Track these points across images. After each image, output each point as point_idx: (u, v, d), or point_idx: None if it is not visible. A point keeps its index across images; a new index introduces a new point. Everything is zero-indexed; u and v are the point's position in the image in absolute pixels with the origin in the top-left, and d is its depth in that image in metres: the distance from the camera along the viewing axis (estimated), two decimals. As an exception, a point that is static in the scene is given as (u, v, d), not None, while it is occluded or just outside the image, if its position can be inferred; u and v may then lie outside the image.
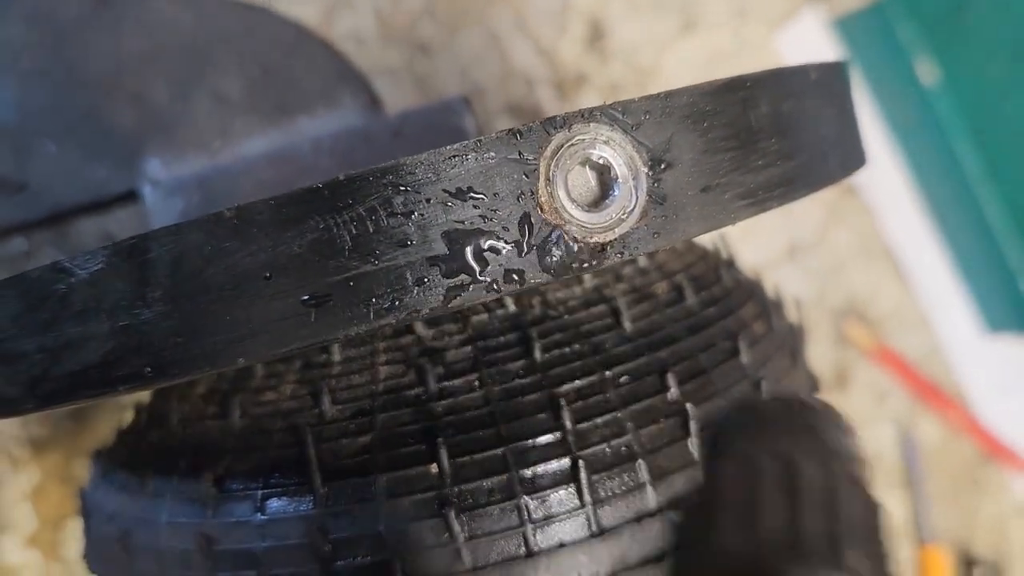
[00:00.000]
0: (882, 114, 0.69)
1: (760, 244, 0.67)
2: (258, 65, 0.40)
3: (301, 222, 0.21)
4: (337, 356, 0.29)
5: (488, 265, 0.22)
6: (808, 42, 0.68)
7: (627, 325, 0.29)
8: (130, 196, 0.39)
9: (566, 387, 0.27)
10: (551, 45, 0.62)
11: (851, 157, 0.29)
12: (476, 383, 0.27)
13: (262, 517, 0.27)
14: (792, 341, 0.33)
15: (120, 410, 0.36)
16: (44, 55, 0.39)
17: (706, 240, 0.38)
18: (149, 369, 0.23)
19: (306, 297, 0.22)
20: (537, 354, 0.27)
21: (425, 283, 0.22)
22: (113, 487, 0.31)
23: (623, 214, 0.22)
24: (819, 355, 0.67)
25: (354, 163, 0.36)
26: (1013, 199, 0.67)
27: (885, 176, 0.70)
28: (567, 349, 0.28)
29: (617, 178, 0.22)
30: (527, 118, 0.61)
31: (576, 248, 0.22)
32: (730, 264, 0.35)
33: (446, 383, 0.27)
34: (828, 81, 0.28)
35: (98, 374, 0.23)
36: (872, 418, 0.69)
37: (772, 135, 0.25)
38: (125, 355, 0.23)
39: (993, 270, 0.68)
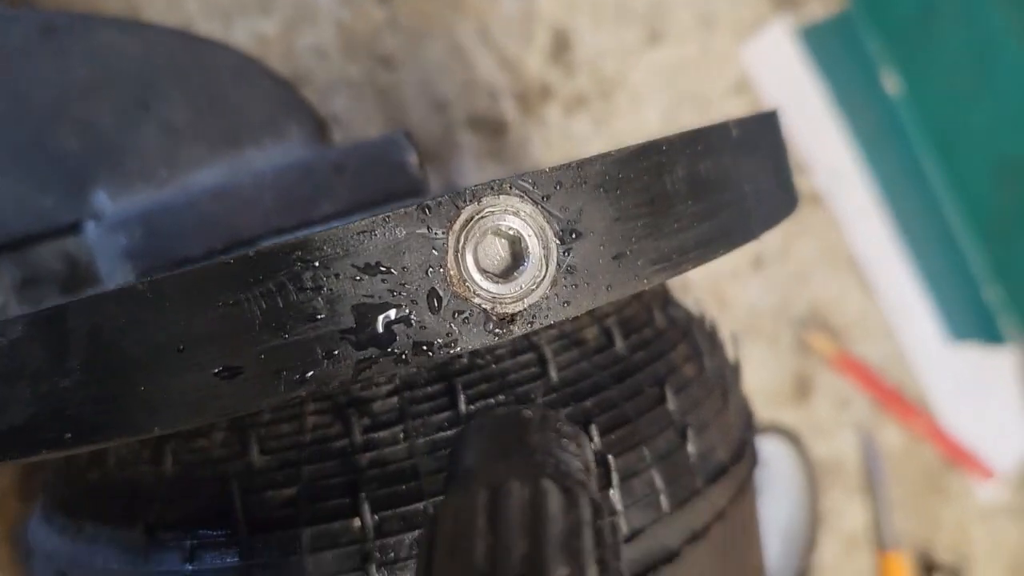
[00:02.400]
0: (847, 124, 0.70)
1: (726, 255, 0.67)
2: (205, 95, 0.40)
3: (212, 297, 0.22)
4: (267, 405, 0.29)
5: (397, 338, 0.22)
6: (775, 52, 0.68)
7: (553, 374, 0.29)
8: (77, 227, 0.40)
9: (489, 440, 0.27)
10: (515, 56, 0.62)
11: (777, 208, 0.29)
12: (401, 435, 0.28)
13: (190, 567, 0.27)
14: (725, 381, 0.34)
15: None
16: (-11, 85, 0.39)
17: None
18: (69, 435, 0.23)
19: (218, 370, 0.22)
20: (462, 406, 0.28)
21: (335, 356, 0.22)
22: (53, 527, 0.32)
23: (533, 285, 0.23)
24: (781, 364, 0.68)
25: (295, 198, 0.36)
26: (976, 209, 0.67)
27: (850, 186, 0.70)
28: (492, 400, 0.28)
29: (527, 249, 0.23)
30: (490, 131, 0.61)
31: (484, 319, 0.22)
32: (666, 301, 0.35)
33: (371, 435, 0.28)
34: (752, 136, 0.28)
35: (22, 437, 0.24)
36: (834, 425, 0.70)
37: (688, 198, 0.25)
38: (46, 421, 0.23)
39: (957, 279, 0.69)
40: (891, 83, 0.66)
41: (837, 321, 0.70)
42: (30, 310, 0.23)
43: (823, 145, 0.69)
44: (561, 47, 0.63)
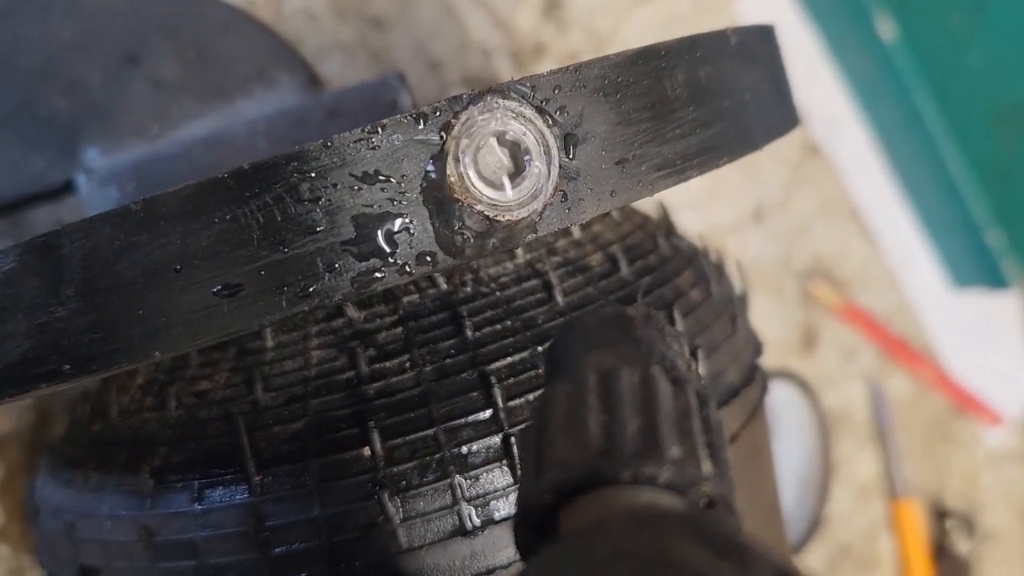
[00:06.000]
0: (843, 72, 0.69)
1: (726, 207, 0.66)
2: (193, 48, 0.39)
3: (208, 213, 0.21)
4: (270, 342, 0.28)
5: (399, 248, 0.22)
6: (768, 2, 0.67)
7: (559, 299, 0.29)
8: (69, 186, 0.39)
9: (497, 364, 0.27)
10: (507, 14, 0.62)
11: (779, 121, 0.29)
12: (407, 364, 0.27)
13: (199, 507, 0.27)
14: (732, 307, 0.33)
15: (77, 404, 0.36)
16: (-27, 46, 0.38)
17: (648, 207, 0.38)
18: (68, 366, 0.23)
19: (218, 288, 0.21)
20: (468, 333, 0.27)
21: (336, 268, 0.21)
22: (59, 482, 0.31)
23: (536, 191, 0.22)
24: (787, 316, 0.68)
25: (289, 144, 0.35)
26: (975, 153, 0.67)
27: (848, 134, 0.70)
28: (498, 326, 0.28)
29: (528, 155, 0.22)
30: (484, 90, 0.61)
31: (488, 227, 0.22)
32: (669, 232, 0.35)
33: (377, 365, 0.27)
34: (750, 46, 0.28)
35: (19, 372, 0.23)
36: (842, 376, 0.69)
37: (689, 103, 0.25)
38: (44, 353, 0.23)
39: (958, 225, 0.69)
40: (885, 29, 0.65)
41: (840, 271, 0.69)
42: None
43: (819, 95, 0.69)
44: (553, 4, 0.63)
